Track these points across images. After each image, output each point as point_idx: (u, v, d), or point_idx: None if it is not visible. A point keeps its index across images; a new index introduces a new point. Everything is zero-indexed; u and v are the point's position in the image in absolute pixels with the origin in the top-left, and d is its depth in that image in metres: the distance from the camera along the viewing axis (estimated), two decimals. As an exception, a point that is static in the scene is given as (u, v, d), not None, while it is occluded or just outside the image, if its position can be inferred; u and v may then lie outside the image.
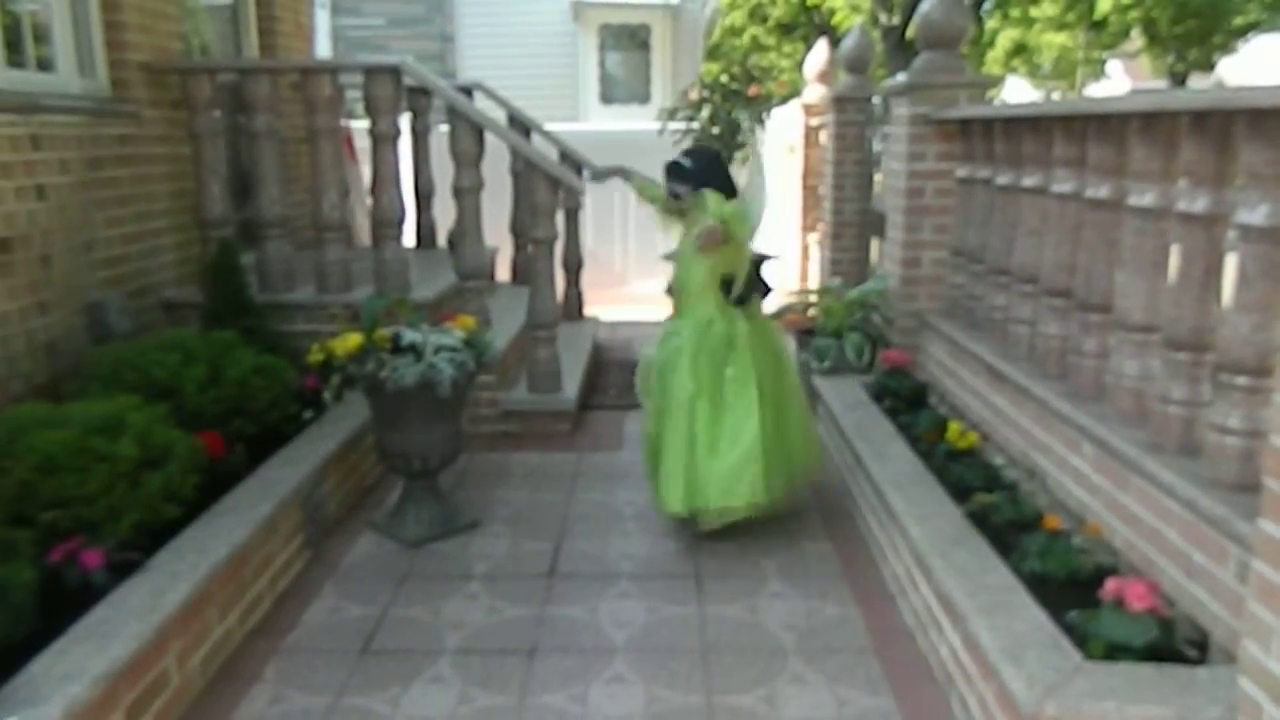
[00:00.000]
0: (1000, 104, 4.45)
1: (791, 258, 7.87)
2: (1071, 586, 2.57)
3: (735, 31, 18.98)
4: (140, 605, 2.43)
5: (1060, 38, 26.87)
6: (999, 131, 3.80)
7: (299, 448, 3.60)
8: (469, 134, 4.53)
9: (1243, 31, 22.50)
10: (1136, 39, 26.54)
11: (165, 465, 2.87)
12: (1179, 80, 25.52)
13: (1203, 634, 2.30)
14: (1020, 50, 25.48)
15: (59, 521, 2.57)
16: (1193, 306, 2.50)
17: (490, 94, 6.61)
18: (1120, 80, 29.49)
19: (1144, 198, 2.70)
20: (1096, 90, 26.99)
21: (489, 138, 4.65)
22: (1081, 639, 2.28)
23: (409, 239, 5.80)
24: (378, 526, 3.69)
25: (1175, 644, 2.27)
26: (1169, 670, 2.12)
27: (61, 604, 2.39)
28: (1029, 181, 3.52)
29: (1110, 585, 2.32)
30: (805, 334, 5.00)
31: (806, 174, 7.62)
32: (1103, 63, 28.73)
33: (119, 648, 2.24)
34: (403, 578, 3.31)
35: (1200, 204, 2.43)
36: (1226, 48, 24.28)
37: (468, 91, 6.15)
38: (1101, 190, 2.97)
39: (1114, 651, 2.21)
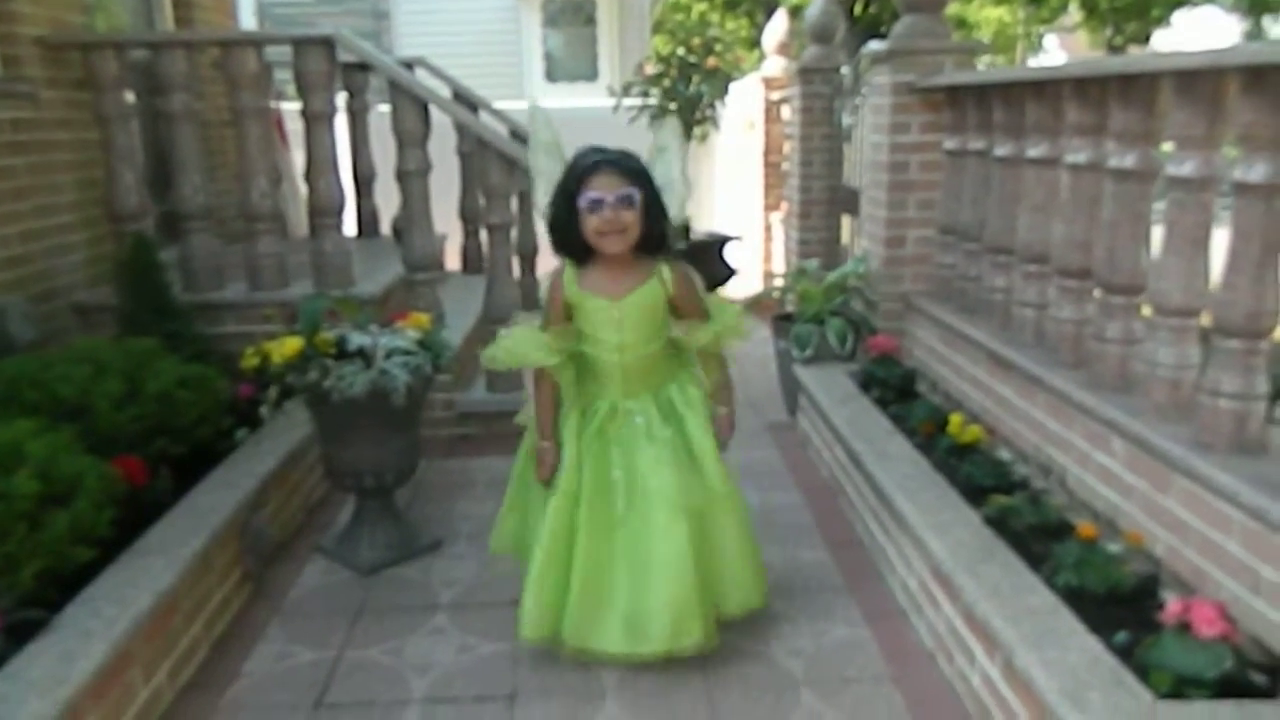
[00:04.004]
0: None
1: (753, 238, 7.57)
2: (1112, 602, 2.30)
3: (681, 7, 18.57)
4: (44, 677, 2.03)
5: (999, 12, 26.91)
6: (996, 99, 3.51)
7: (233, 468, 3.19)
8: (413, 111, 4.12)
9: (1180, 4, 22.73)
10: (1074, 13, 26.72)
11: (73, 501, 2.45)
12: (1117, 54, 25.73)
13: (1273, 659, 2.05)
14: (960, 25, 25.47)
15: (-58, 578, 2.16)
16: (1248, 289, 2.24)
17: (434, 71, 6.18)
18: (1057, 55, 29.77)
19: (1183, 167, 2.42)
20: (1036, 64, 27.20)
21: (433, 116, 4.23)
22: (1141, 669, 2.01)
23: (350, 228, 5.39)
24: (327, 551, 3.31)
25: (1246, 674, 2.01)
26: (1251, 708, 1.85)
27: (-54, 680, 1.99)
28: (1034, 152, 3.23)
29: (1173, 607, 2.05)
30: (783, 320, 4.69)
31: (768, 150, 7.31)
32: (1040, 37, 28.91)
33: (15, 735, 1.86)
34: (358, 612, 2.94)
35: (1258, 172, 2.16)
36: (1163, 21, 24.48)
37: (409, 67, 5.70)
38: (1127, 160, 2.68)
39: (1182, 685, 1.94)
